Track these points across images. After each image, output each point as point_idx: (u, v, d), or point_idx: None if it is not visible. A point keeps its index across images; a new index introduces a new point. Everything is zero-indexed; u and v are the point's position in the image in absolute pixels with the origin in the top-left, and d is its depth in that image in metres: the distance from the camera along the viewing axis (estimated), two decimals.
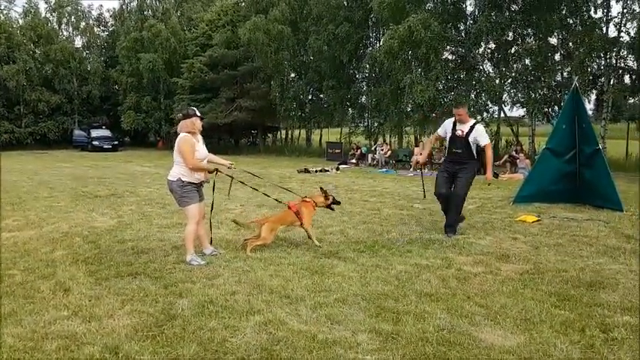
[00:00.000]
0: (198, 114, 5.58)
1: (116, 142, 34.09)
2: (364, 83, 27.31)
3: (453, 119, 7.09)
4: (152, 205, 9.67)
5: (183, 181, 5.41)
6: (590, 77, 19.42)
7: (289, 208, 6.21)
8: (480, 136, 6.86)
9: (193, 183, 5.48)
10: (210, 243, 5.99)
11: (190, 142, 5.42)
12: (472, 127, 6.89)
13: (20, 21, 38.63)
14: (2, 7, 37.51)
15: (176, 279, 4.89)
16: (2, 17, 36.89)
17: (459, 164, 6.94)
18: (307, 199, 6.40)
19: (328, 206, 6.59)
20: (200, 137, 5.65)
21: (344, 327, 3.72)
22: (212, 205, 6.09)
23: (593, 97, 20.64)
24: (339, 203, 6.81)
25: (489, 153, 6.93)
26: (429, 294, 4.43)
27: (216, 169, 5.70)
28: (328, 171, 17.87)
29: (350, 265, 5.41)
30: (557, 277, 4.94)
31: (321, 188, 6.68)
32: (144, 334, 3.61)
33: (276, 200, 6.82)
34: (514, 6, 19.74)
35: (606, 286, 4.67)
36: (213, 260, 5.55)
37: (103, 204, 9.93)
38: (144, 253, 5.98)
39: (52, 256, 5.89)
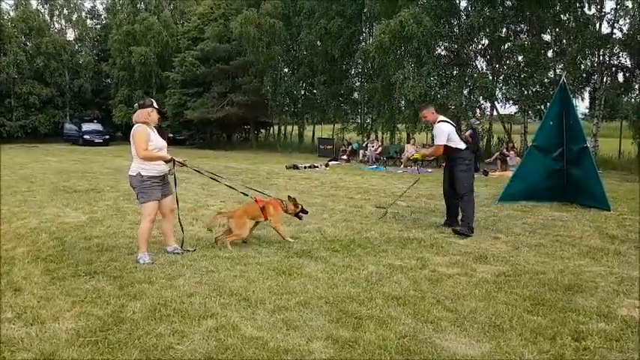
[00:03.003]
0: (156, 106, 5.35)
1: (107, 137, 33.65)
2: (357, 79, 27.00)
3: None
4: (130, 201, 9.39)
5: (142, 176, 5.16)
6: (584, 75, 19.18)
7: (256, 201, 6.05)
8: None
9: (155, 177, 5.23)
10: (182, 245, 5.75)
11: (145, 132, 5.18)
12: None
13: (11, 13, 38.02)
14: None
15: (134, 279, 4.65)
16: None
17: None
18: (276, 200, 6.26)
19: (296, 214, 6.39)
20: (154, 129, 5.43)
21: (300, 333, 3.49)
22: (177, 201, 5.80)
23: (586, 95, 20.39)
24: (306, 212, 6.61)
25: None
26: (397, 297, 4.21)
27: (173, 159, 5.42)
28: (317, 167, 17.59)
29: (320, 265, 5.18)
30: (533, 280, 4.73)
31: (289, 197, 6.46)
32: (85, 340, 3.38)
33: (243, 194, 6.60)
34: (507, 2, 19.47)
35: (584, 290, 4.46)
36: (177, 259, 5.32)
37: (80, 199, 9.66)
38: (108, 250, 5.74)
39: (13, 254, 5.64)
